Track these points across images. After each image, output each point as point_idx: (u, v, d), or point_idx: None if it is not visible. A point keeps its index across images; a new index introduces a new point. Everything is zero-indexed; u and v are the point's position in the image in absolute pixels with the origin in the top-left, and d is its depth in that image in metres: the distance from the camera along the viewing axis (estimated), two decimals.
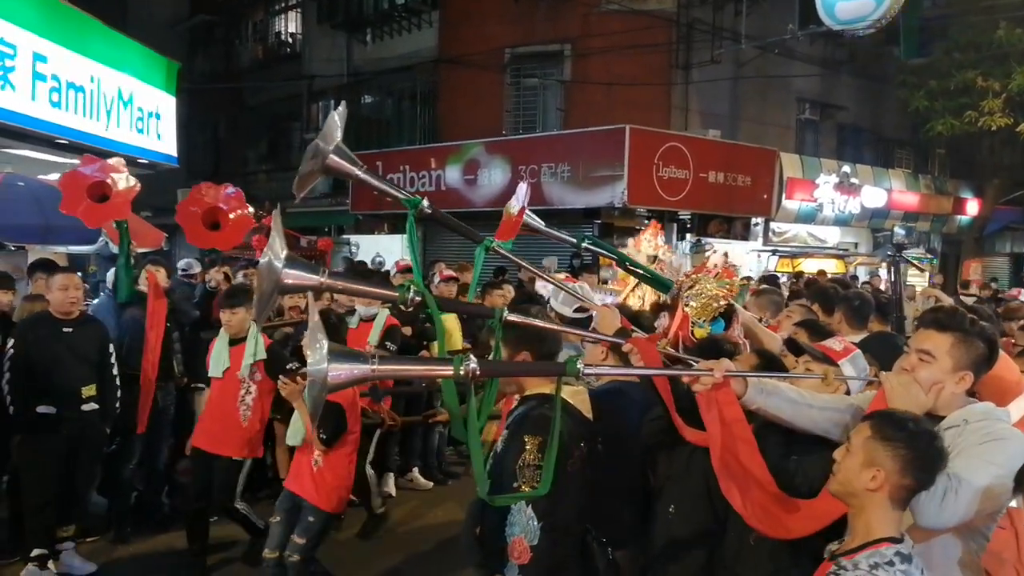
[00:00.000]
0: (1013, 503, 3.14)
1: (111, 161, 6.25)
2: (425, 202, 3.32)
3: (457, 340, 7.79)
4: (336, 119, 3.14)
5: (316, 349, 2.44)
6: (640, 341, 3.28)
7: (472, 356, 2.67)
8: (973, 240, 23.84)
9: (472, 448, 2.99)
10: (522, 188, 4.38)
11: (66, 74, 9.37)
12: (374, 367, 2.56)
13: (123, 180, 6.20)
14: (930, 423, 2.56)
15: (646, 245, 7.18)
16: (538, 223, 4.51)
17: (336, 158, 3.14)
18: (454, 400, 3.05)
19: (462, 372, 2.64)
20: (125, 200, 6.18)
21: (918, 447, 2.54)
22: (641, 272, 5.31)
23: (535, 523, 3.14)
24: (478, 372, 2.68)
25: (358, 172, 3.23)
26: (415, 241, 3.50)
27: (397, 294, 2.98)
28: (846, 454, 2.65)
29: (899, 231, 20.57)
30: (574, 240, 4.79)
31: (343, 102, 3.51)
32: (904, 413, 2.65)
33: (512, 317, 3.16)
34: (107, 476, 7.15)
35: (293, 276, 2.74)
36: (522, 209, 4.26)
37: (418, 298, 2.96)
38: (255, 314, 2.64)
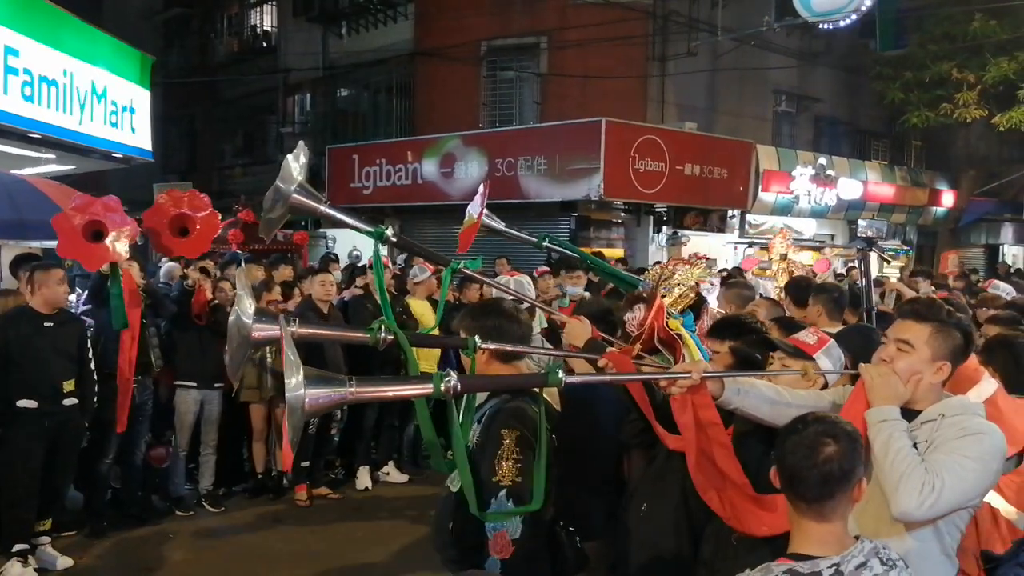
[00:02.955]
0: None
1: (106, 199, 6.24)
2: (389, 231, 3.48)
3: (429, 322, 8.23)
4: (291, 161, 3.21)
5: (292, 374, 2.46)
6: (615, 355, 3.32)
7: (452, 373, 2.70)
8: (949, 231, 23.97)
9: (459, 464, 3.02)
10: (480, 191, 4.43)
11: (38, 68, 9.26)
12: (351, 389, 2.58)
13: (123, 233, 6.21)
14: (835, 434, 2.43)
15: (779, 246, 8.55)
16: (498, 224, 4.56)
17: (299, 197, 3.23)
18: (431, 431, 3.08)
19: (443, 389, 2.66)
20: (124, 245, 6.22)
21: (787, 439, 2.49)
22: (606, 271, 5.35)
23: (517, 517, 3.14)
24: (459, 388, 2.71)
25: (323, 207, 3.35)
26: (382, 272, 3.54)
27: (368, 335, 3.02)
28: None
29: (862, 223, 20.93)
30: (534, 240, 4.84)
31: (300, 143, 3.56)
32: (823, 416, 2.56)
33: (486, 345, 3.21)
34: (83, 471, 7.11)
35: (263, 330, 2.82)
36: (481, 212, 4.31)
37: (390, 337, 3.01)
38: (229, 372, 2.63)
